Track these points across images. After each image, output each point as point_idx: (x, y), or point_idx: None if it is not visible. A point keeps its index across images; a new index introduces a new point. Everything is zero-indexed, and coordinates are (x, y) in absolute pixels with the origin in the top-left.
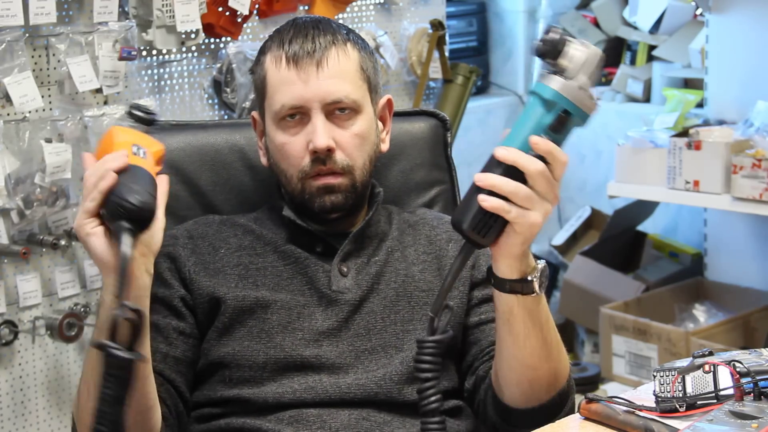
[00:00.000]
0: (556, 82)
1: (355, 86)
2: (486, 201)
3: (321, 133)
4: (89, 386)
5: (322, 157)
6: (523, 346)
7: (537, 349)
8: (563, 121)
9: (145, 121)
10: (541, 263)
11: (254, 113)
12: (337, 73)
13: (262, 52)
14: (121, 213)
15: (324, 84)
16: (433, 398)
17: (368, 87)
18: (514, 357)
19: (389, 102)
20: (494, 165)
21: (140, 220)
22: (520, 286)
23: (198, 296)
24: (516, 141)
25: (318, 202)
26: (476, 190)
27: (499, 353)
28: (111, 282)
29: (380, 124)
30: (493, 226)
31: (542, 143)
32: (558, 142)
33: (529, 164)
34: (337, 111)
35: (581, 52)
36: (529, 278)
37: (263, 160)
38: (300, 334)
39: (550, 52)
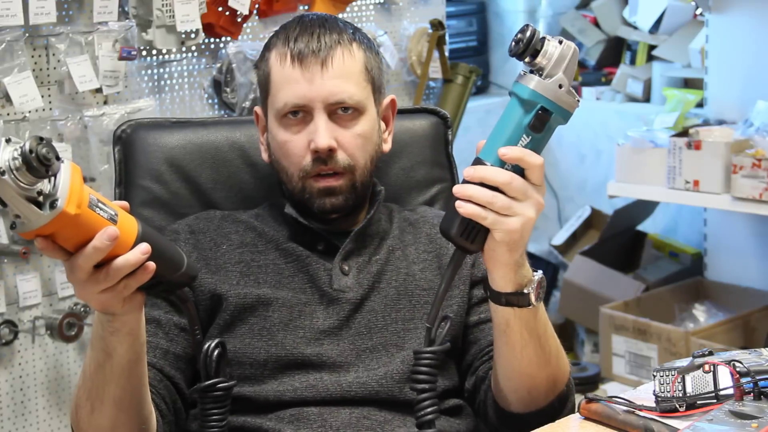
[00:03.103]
0: (533, 82)
1: (359, 87)
2: (462, 208)
3: (323, 132)
4: (94, 401)
5: (323, 157)
6: (520, 357)
7: (534, 358)
8: (543, 120)
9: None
10: (538, 274)
11: (257, 108)
12: (341, 74)
13: (267, 48)
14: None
15: (328, 84)
16: (428, 410)
17: (372, 87)
18: (510, 366)
19: (393, 102)
20: None
21: None
22: (516, 299)
23: (200, 293)
24: (495, 146)
25: (318, 204)
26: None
27: (497, 362)
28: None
29: (383, 124)
30: (478, 231)
31: (510, 152)
32: (540, 142)
33: (497, 177)
34: (340, 111)
35: (557, 48)
36: (525, 291)
37: (264, 156)
38: (301, 332)
39: (526, 51)
